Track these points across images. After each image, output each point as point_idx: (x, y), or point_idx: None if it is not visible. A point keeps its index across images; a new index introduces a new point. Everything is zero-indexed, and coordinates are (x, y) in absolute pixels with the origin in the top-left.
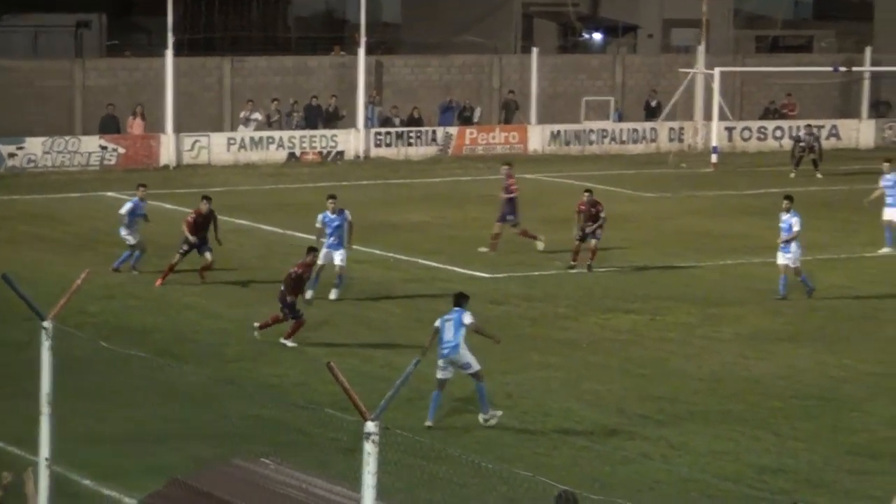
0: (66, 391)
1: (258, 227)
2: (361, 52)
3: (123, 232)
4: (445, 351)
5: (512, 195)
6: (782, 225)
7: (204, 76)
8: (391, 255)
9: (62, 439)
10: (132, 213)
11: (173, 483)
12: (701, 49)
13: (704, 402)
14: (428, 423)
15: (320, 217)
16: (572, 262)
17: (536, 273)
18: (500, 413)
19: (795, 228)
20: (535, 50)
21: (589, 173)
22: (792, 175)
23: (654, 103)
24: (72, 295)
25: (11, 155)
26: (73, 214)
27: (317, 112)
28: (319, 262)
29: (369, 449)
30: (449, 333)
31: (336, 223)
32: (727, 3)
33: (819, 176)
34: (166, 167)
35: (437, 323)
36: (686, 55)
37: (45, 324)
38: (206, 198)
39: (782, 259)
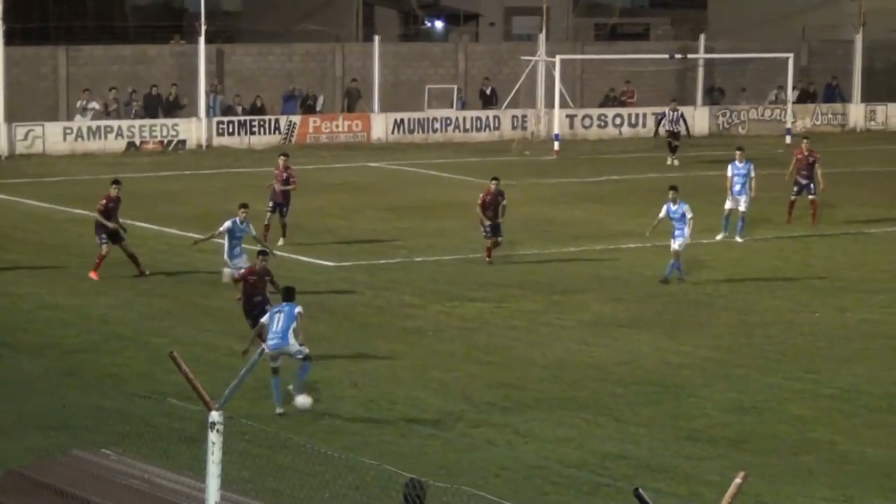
0: None
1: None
2: (201, 40)
3: None
4: (273, 342)
5: (288, 187)
6: (673, 214)
7: (38, 65)
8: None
9: None
10: None
11: (9, 474)
12: (542, 37)
13: (549, 389)
14: (279, 411)
15: (228, 224)
16: (488, 259)
17: (382, 261)
18: (310, 402)
19: (689, 216)
20: (376, 38)
21: (433, 161)
22: (670, 162)
23: (488, 90)
24: None
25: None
26: None
27: (157, 101)
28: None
29: (213, 438)
30: (276, 325)
31: (244, 233)
32: None
33: (675, 163)
34: None
35: (265, 319)
36: (528, 43)
37: None
38: (116, 182)
39: (674, 244)
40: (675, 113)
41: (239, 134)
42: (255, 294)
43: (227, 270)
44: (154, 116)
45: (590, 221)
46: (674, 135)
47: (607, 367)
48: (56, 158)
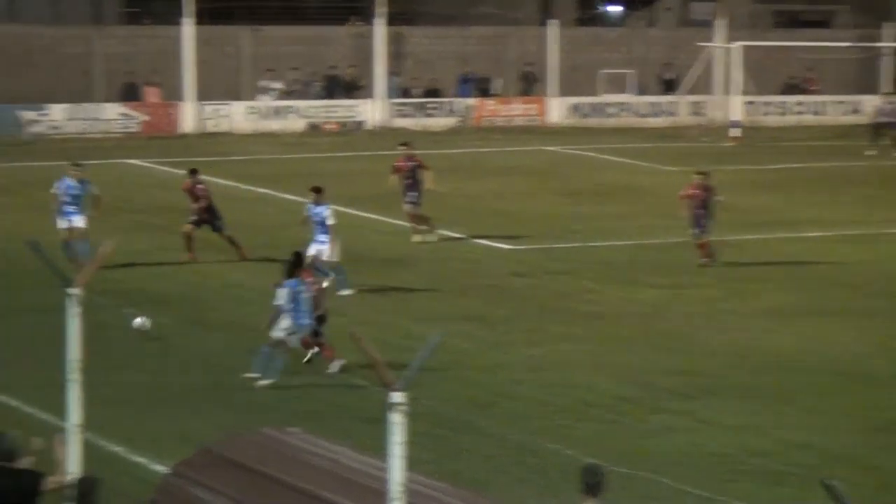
0: (93, 358)
1: (279, 196)
2: (380, 22)
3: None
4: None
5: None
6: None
7: (223, 44)
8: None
9: (91, 406)
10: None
11: (202, 451)
12: (720, 23)
13: (730, 376)
14: (262, 382)
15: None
16: (703, 260)
17: (558, 245)
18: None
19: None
20: (552, 22)
21: (609, 146)
22: (869, 153)
23: (669, 77)
24: (98, 262)
25: (34, 121)
26: (97, 181)
27: (336, 82)
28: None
29: (396, 419)
30: (302, 307)
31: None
32: None
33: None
34: (187, 135)
35: (279, 300)
36: (705, 29)
37: (72, 291)
38: (193, 171)
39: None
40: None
41: (415, 116)
42: None
43: None
44: (333, 97)
45: (770, 209)
46: (881, 126)
47: (791, 355)
48: (240, 137)
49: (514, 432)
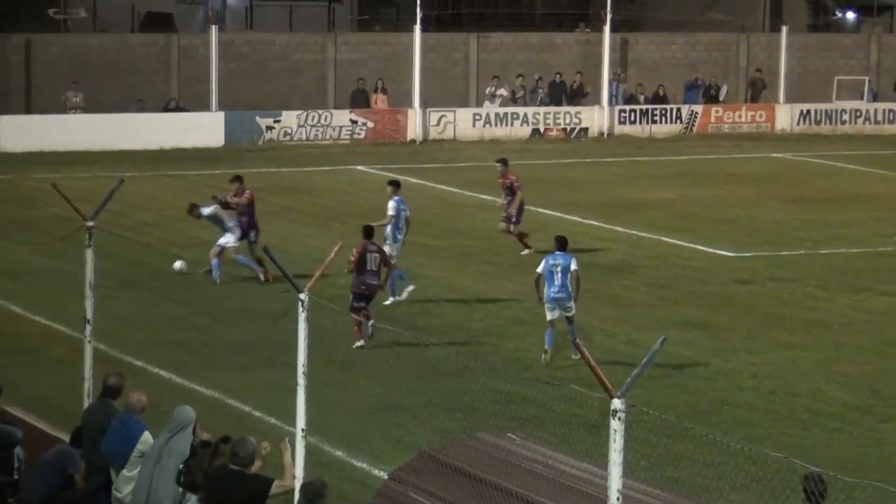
0: (316, 362)
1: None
2: (607, 29)
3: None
4: (558, 294)
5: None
6: None
7: (451, 51)
8: (634, 232)
9: (314, 410)
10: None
11: (421, 456)
12: None
13: None
14: (546, 350)
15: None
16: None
17: (784, 252)
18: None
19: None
20: (784, 28)
21: (840, 153)
22: None
23: None
24: (326, 267)
25: (269, 128)
26: (324, 187)
27: (561, 88)
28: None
29: (615, 426)
30: (559, 279)
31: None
32: None
33: None
34: (413, 142)
35: (541, 268)
36: None
37: (302, 296)
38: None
39: None
40: None
41: (640, 122)
42: None
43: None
44: (558, 104)
45: None
46: None
47: None
48: (465, 144)
49: (736, 440)
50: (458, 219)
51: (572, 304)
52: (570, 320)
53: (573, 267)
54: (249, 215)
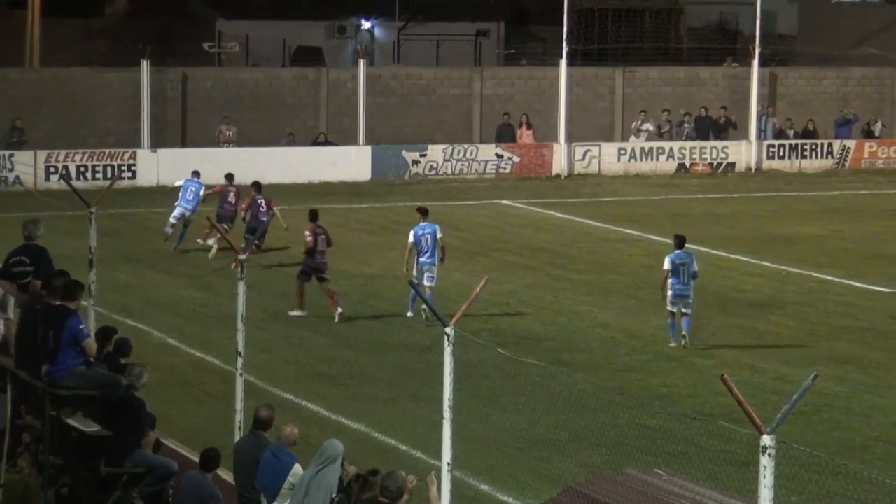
0: (461, 396)
1: (647, 238)
2: (755, 63)
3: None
4: (684, 291)
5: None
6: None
7: (596, 86)
8: (783, 267)
9: (459, 444)
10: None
11: (567, 491)
12: None
13: None
14: (672, 344)
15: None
16: None
17: None
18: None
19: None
20: None
21: None
22: None
23: None
24: (472, 302)
25: (415, 162)
26: (469, 221)
27: (707, 123)
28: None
29: (765, 462)
30: (685, 277)
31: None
32: None
33: None
34: (558, 176)
35: (667, 265)
36: None
37: (448, 330)
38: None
39: None
40: None
41: (789, 157)
42: None
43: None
44: (704, 138)
45: None
46: None
47: None
48: (610, 178)
49: (891, 476)
50: (603, 253)
51: (692, 301)
52: (686, 316)
53: (695, 267)
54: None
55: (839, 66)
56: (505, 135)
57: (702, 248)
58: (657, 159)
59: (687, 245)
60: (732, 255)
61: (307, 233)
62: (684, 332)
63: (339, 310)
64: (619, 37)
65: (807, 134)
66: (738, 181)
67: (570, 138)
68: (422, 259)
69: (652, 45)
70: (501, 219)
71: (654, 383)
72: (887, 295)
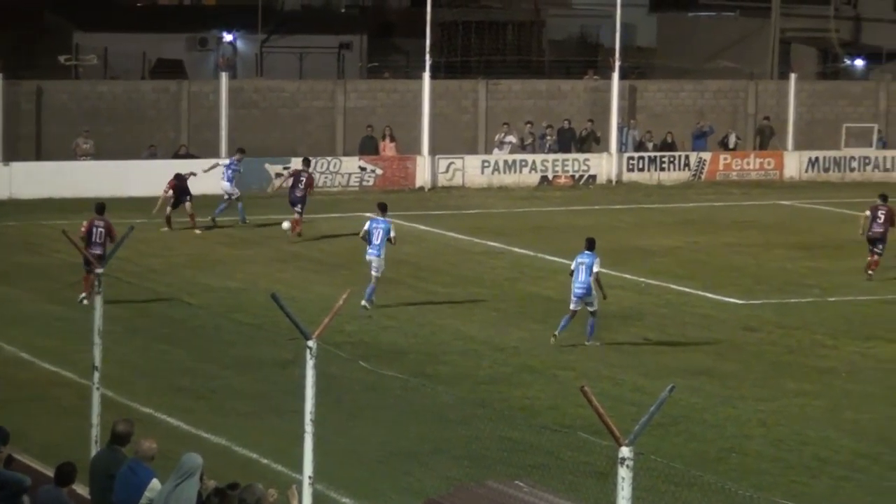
0: (324, 409)
1: (510, 250)
2: (615, 76)
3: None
4: (579, 291)
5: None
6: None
7: (459, 98)
8: (643, 279)
9: (321, 457)
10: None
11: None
12: None
13: None
14: (554, 334)
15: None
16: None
17: (792, 300)
18: (598, 344)
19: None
20: (793, 76)
21: (848, 200)
22: None
23: None
24: (334, 315)
25: (278, 174)
26: (332, 234)
27: (570, 135)
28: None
29: (623, 474)
30: (582, 276)
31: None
32: None
33: None
34: (421, 189)
35: (573, 265)
36: None
37: (310, 343)
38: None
39: None
40: None
41: (649, 170)
42: None
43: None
44: (567, 151)
45: None
46: None
47: None
48: (474, 191)
49: (744, 487)
50: (466, 265)
51: (594, 300)
52: (592, 314)
53: (595, 269)
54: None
55: (696, 79)
56: (368, 147)
57: (563, 261)
58: (520, 172)
59: (550, 257)
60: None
61: (84, 224)
62: (588, 339)
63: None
64: (481, 49)
65: (665, 146)
66: (599, 193)
67: (434, 151)
68: (369, 250)
69: (514, 58)
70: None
71: (516, 395)
72: (741, 306)
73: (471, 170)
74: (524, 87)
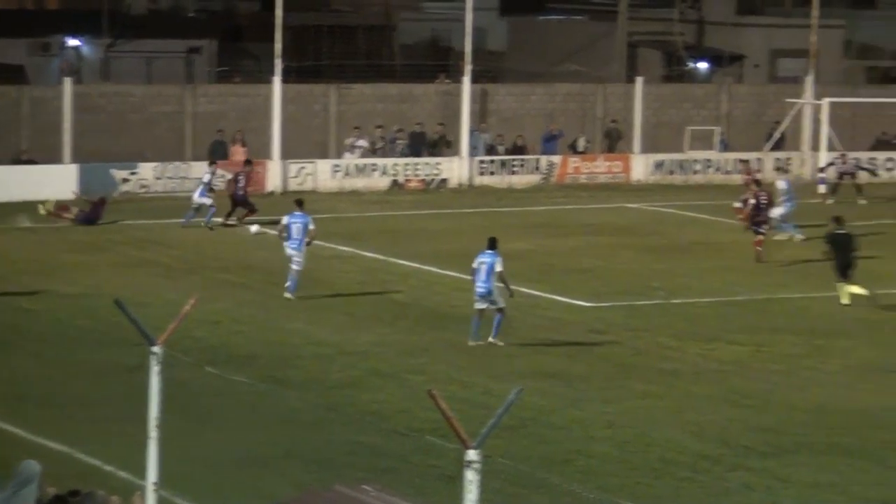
0: (171, 415)
1: (360, 254)
2: (466, 80)
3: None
4: (481, 290)
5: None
6: None
7: (311, 102)
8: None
9: (168, 463)
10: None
11: None
12: (809, 79)
13: (810, 434)
14: (471, 343)
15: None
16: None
17: (639, 302)
18: (502, 344)
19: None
20: (639, 79)
21: (693, 202)
22: (829, 202)
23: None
24: (181, 320)
25: (125, 180)
26: (181, 240)
27: (421, 139)
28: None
29: (471, 477)
30: (483, 275)
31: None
32: (838, 34)
33: (863, 202)
34: (272, 193)
35: (475, 264)
36: (793, 85)
37: (155, 349)
38: None
39: None
40: (850, 165)
41: (500, 173)
42: None
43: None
44: (418, 155)
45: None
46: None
47: (874, 413)
48: (325, 195)
49: (590, 489)
50: (317, 270)
51: (498, 298)
52: (499, 311)
53: (498, 268)
54: None
55: (546, 83)
56: (218, 152)
57: (414, 264)
58: (371, 176)
59: (401, 261)
60: (444, 271)
61: None
62: (492, 336)
63: None
64: (333, 53)
65: (516, 150)
66: (450, 197)
67: (285, 155)
68: (289, 244)
69: (366, 62)
70: (214, 237)
71: (366, 399)
72: (589, 309)
73: (322, 174)
74: (375, 91)
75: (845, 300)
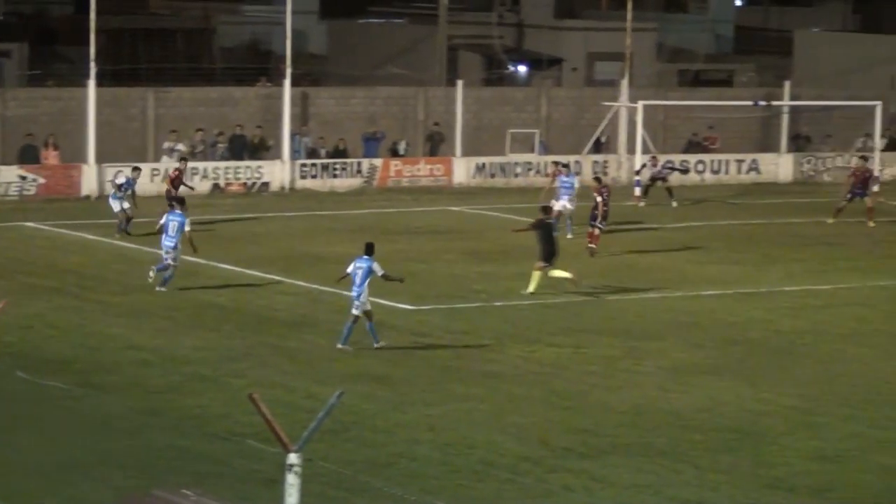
0: None
1: (181, 258)
2: (287, 83)
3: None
4: (356, 294)
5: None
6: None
7: (127, 106)
8: (316, 286)
9: None
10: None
11: None
12: (624, 83)
13: (626, 435)
14: (339, 346)
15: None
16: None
17: (461, 305)
18: (384, 343)
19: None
20: (459, 82)
21: (514, 205)
22: (641, 204)
23: (603, 139)
24: None
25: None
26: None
27: (242, 143)
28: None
29: (291, 480)
30: (359, 280)
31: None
32: (651, 37)
33: (674, 205)
34: (87, 198)
35: (350, 269)
36: (610, 88)
37: None
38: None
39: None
40: (665, 169)
41: (322, 176)
42: None
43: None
44: (239, 158)
45: (670, 268)
46: (662, 179)
47: (686, 414)
48: (144, 200)
49: (412, 493)
50: (137, 275)
51: (365, 302)
52: (367, 315)
53: (379, 272)
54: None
55: (367, 86)
56: (28, 156)
57: (236, 269)
58: (191, 180)
59: (222, 265)
60: (266, 275)
61: None
62: (375, 343)
63: None
64: (150, 57)
65: (337, 153)
66: (272, 201)
67: (101, 159)
68: (165, 240)
69: (185, 66)
70: (26, 241)
71: (187, 404)
72: (412, 312)
73: (141, 178)
74: (195, 95)
75: (532, 288)
